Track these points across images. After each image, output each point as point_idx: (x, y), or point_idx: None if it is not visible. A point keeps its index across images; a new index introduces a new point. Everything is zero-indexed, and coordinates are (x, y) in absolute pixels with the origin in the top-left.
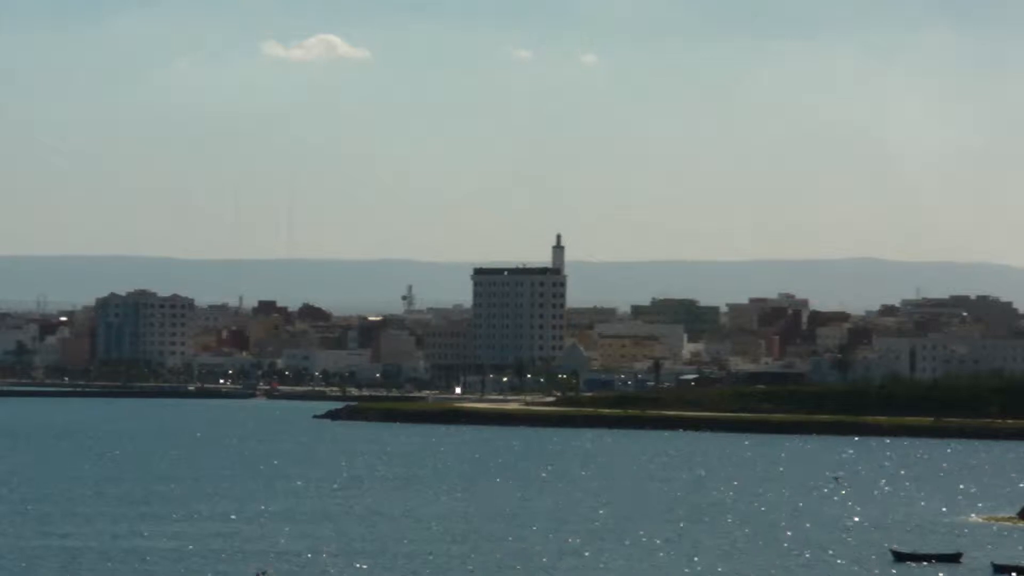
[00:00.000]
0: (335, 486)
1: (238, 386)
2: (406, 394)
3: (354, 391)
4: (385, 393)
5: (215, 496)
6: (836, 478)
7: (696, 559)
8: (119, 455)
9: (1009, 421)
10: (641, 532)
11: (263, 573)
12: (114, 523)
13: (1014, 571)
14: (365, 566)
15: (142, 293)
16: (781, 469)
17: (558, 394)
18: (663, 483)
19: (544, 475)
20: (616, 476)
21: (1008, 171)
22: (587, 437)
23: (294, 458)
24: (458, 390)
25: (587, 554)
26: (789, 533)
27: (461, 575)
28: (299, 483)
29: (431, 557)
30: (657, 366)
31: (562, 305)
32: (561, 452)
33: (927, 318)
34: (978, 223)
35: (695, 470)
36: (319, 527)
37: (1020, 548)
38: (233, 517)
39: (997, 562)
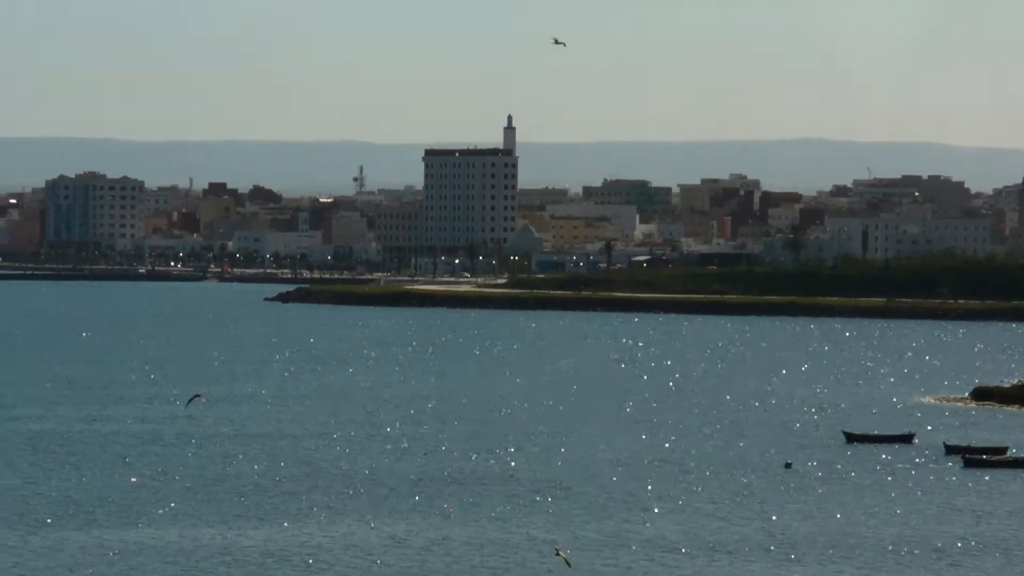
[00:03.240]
0: (299, 367)
1: (189, 268)
2: (357, 276)
3: (305, 273)
4: (336, 275)
5: (180, 379)
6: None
7: (657, 439)
8: (76, 339)
9: (961, 301)
10: (608, 414)
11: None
12: (80, 407)
13: (966, 451)
14: (343, 447)
15: (92, 175)
16: (736, 350)
17: (509, 276)
18: (623, 365)
19: (509, 356)
20: (580, 357)
21: (955, 53)
22: (540, 318)
23: (252, 340)
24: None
25: (558, 435)
26: (745, 414)
27: (439, 456)
28: (262, 365)
29: (410, 437)
30: (609, 247)
31: (514, 187)
32: (519, 333)
33: (879, 198)
34: (926, 104)
35: (653, 351)
36: (291, 408)
37: (972, 428)
38: (202, 399)
39: (949, 442)
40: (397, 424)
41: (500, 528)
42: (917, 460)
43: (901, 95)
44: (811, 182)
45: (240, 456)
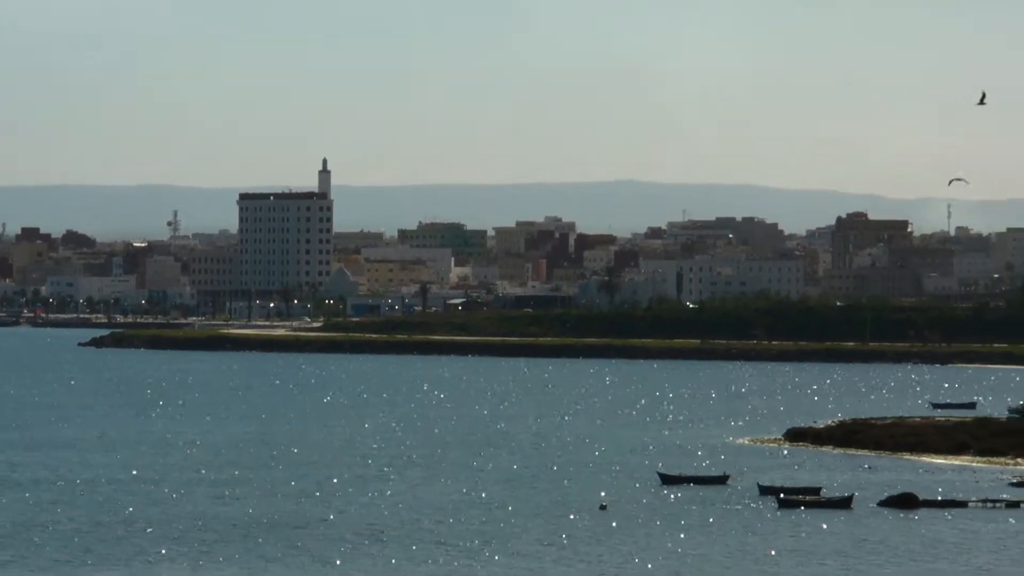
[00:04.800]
0: (117, 412)
1: (2, 314)
2: (172, 320)
3: (119, 318)
4: (151, 320)
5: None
6: None
7: (474, 487)
8: None
9: (774, 342)
10: (430, 460)
11: None
12: None
13: (780, 492)
14: (165, 493)
15: None
16: (553, 392)
17: (325, 319)
18: (442, 410)
19: (330, 401)
20: (400, 402)
21: (772, 95)
22: (357, 362)
23: (67, 386)
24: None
25: (381, 480)
26: (560, 457)
27: (261, 502)
28: (79, 410)
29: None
30: (424, 290)
31: (329, 230)
32: (337, 377)
33: (693, 240)
34: (742, 146)
35: (471, 395)
36: (111, 454)
37: (786, 469)
38: (17, 446)
39: (763, 483)
40: (219, 469)
41: (325, 574)
42: (732, 501)
43: (716, 137)
44: (626, 224)
45: (62, 502)
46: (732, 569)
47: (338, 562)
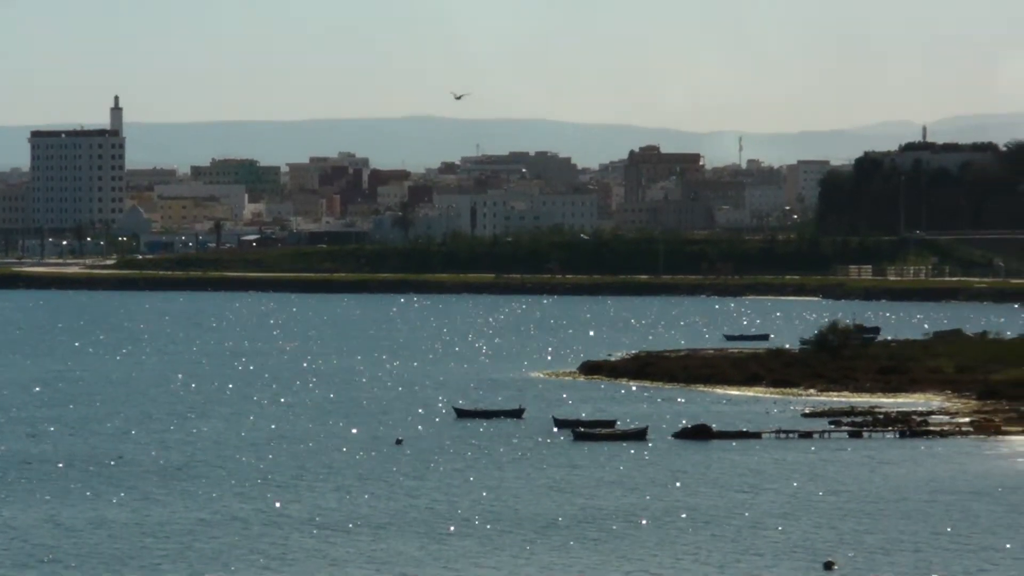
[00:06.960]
0: None
1: None
2: None
3: None
4: None
5: None
6: None
7: (284, 423)
8: None
9: (569, 276)
10: (239, 396)
11: None
12: None
13: (575, 425)
14: None
15: None
16: (348, 328)
17: (119, 257)
18: (245, 346)
19: (132, 338)
20: (203, 340)
21: (564, 30)
22: (153, 300)
23: None
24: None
25: (196, 416)
26: (361, 393)
27: (70, 440)
28: None
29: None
30: (218, 227)
31: (121, 167)
32: (137, 315)
33: (486, 175)
34: (535, 81)
35: (270, 333)
36: None
37: (581, 403)
38: None
39: (558, 416)
40: (26, 407)
41: (137, 509)
42: (528, 434)
43: (508, 72)
44: (420, 159)
45: None
46: (546, 500)
47: (150, 499)
